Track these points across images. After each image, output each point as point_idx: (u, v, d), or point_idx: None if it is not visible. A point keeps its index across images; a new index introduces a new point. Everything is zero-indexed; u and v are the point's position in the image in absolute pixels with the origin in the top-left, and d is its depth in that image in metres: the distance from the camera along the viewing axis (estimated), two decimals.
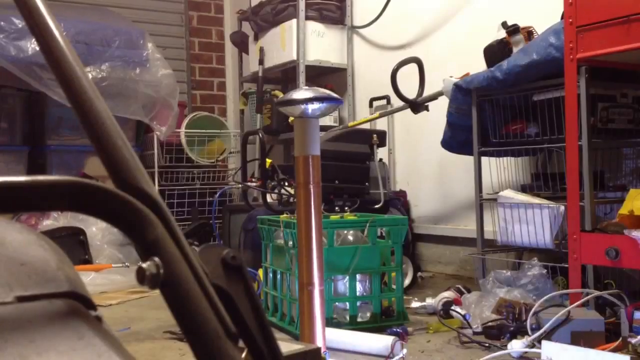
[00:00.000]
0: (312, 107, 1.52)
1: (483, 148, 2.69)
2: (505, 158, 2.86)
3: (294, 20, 3.96)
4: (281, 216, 2.33)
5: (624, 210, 2.00)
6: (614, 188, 2.44)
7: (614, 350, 1.71)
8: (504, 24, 2.58)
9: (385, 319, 2.22)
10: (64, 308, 0.43)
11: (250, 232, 2.89)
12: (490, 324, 2.07)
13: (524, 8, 3.01)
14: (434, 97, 2.99)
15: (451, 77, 2.79)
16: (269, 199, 2.84)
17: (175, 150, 4.38)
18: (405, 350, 1.88)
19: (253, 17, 4.31)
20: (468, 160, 2.83)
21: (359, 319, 2.19)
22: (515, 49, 2.50)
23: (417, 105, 3.06)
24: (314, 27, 4.03)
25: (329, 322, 2.08)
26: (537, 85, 2.41)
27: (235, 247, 3.15)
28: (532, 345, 1.81)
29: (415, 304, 2.49)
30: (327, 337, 1.66)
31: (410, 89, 3.05)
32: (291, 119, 2.45)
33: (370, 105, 3.84)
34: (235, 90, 5.25)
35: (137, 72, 3.88)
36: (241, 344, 0.51)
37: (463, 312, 2.17)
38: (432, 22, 3.61)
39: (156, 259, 0.45)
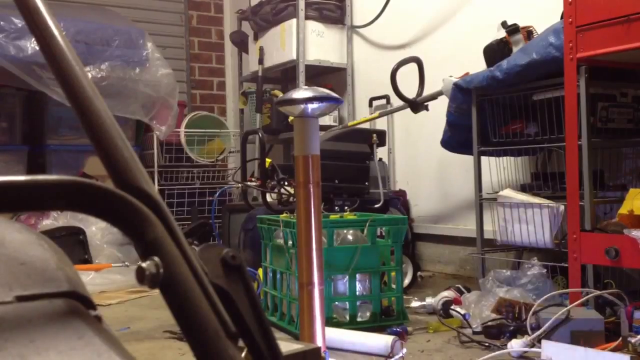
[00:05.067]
0: (311, 107, 1.52)
1: (483, 148, 2.69)
2: (505, 158, 2.86)
3: (294, 20, 3.96)
4: (281, 216, 2.34)
5: (623, 209, 2.00)
6: (614, 188, 2.44)
7: (614, 349, 1.71)
8: (504, 24, 2.58)
9: (385, 319, 2.22)
10: (63, 308, 0.43)
11: (250, 231, 2.89)
12: (490, 323, 2.07)
13: (523, 8, 3.01)
14: (433, 97, 2.99)
15: (451, 76, 2.79)
16: (268, 199, 2.84)
17: (174, 150, 4.38)
18: (405, 350, 1.88)
19: (253, 16, 4.31)
20: (468, 159, 2.83)
21: (358, 319, 2.19)
22: (515, 49, 2.50)
23: (416, 105, 3.06)
24: (313, 27, 4.03)
25: (329, 321, 2.08)
26: (537, 84, 2.41)
27: (235, 246, 3.15)
28: (532, 345, 1.81)
29: (415, 304, 2.49)
30: (327, 336, 1.66)
31: (410, 89, 3.05)
32: (291, 118, 2.44)
33: (370, 104, 3.84)
34: (235, 90, 5.25)
35: (136, 71, 3.88)
36: (241, 343, 0.51)
37: (463, 312, 2.18)
38: (432, 22, 3.61)
39: (156, 258, 0.45)
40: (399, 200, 3.39)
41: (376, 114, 3.43)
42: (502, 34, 2.57)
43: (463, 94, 2.68)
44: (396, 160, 3.85)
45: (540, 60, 2.28)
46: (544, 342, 1.74)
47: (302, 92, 1.54)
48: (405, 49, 3.75)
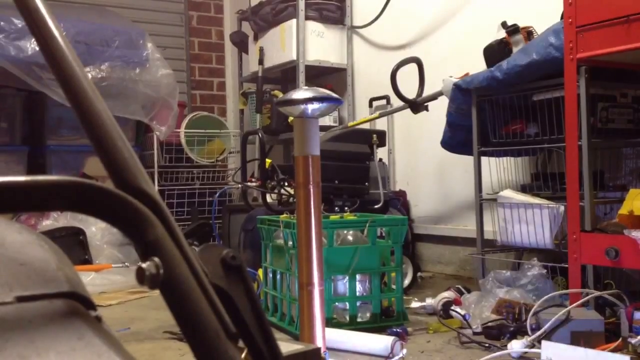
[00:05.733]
0: (311, 107, 1.52)
1: (483, 148, 2.69)
2: (505, 158, 2.86)
3: (294, 20, 3.96)
4: (281, 216, 2.33)
5: (623, 210, 2.00)
6: (614, 188, 2.44)
7: (614, 350, 1.71)
8: (504, 24, 2.58)
9: (385, 319, 2.22)
10: (63, 308, 0.43)
11: (250, 232, 2.89)
12: (490, 324, 2.07)
13: (523, 8, 3.01)
14: (433, 97, 2.99)
15: (451, 77, 2.79)
16: (268, 199, 2.84)
17: (175, 150, 4.38)
18: (405, 351, 1.88)
19: (253, 17, 4.31)
20: (468, 160, 2.83)
21: (358, 319, 2.19)
22: (515, 49, 2.50)
23: (417, 105, 3.06)
24: (313, 27, 4.03)
25: (329, 322, 2.08)
26: (537, 85, 2.41)
27: (235, 247, 3.15)
28: (532, 346, 1.81)
29: (415, 304, 2.49)
30: (327, 337, 1.66)
31: (410, 89, 3.05)
32: (291, 119, 2.45)
33: (370, 105, 3.84)
34: (235, 90, 5.25)
35: (136, 72, 3.88)
36: (241, 344, 0.51)
37: (463, 312, 2.18)
38: (432, 22, 3.61)
39: (156, 259, 0.45)
40: (399, 200, 3.39)
41: (376, 114, 3.43)
42: (502, 34, 2.57)
43: (463, 94, 2.68)
44: (396, 160, 3.85)
45: (541, 60, 2.28)
46: (544, 342, 1.74)
47: (302, 93, 1.54)
48: (405, 49, 3.75)
